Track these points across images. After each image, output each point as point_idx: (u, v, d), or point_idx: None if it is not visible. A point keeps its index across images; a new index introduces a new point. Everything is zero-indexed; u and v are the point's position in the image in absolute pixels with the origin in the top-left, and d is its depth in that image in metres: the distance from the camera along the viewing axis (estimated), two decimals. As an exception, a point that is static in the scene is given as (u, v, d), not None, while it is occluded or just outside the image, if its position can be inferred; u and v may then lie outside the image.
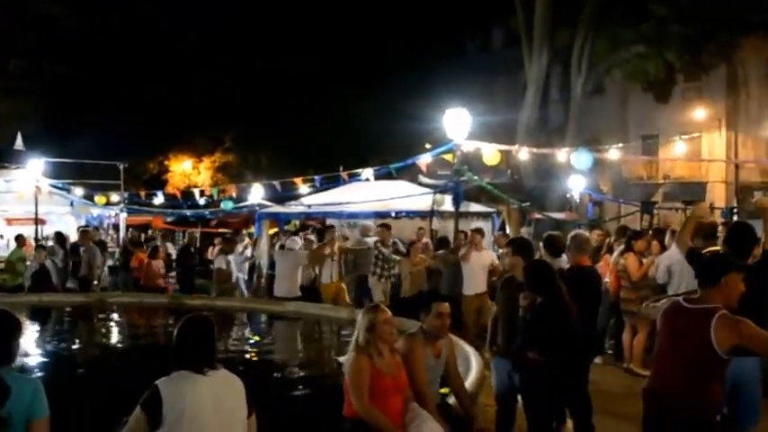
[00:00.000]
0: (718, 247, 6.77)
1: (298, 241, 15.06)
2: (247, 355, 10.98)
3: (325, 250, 14.04)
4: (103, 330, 13.61)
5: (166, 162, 44.52)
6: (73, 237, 19.78)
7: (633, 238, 11.54)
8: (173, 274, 18.01)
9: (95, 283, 17.13)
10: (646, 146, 33.04)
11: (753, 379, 6.19)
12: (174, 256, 19.10)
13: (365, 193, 18.57)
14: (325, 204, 19.54)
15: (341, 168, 19.38)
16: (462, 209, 16.10)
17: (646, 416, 4.97)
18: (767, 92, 31.55)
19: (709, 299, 4.76)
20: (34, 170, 20.81)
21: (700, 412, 4.69)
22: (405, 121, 32.72)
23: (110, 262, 19.71)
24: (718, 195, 32.04)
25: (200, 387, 4.24)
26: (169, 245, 19.41)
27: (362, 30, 38.63)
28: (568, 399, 6.98)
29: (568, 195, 24.53)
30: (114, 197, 25.94)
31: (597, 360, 10.55)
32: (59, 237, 18.02)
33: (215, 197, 24.70)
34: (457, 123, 13.99)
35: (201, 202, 25.65)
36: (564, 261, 8.01)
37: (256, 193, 22.53)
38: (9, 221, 24.59)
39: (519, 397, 6.76)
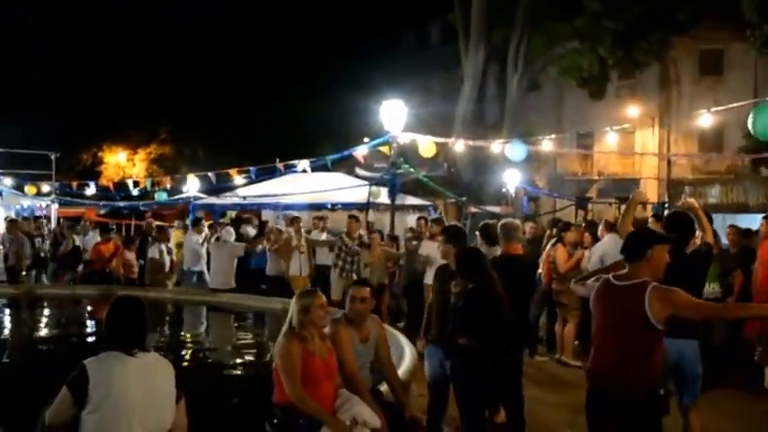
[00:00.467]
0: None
1: (233, 233, 14.94)
2: (179, 346, 10.88)
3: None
4: (30, 321, 13.29)
5: (100, 153, 43.83)
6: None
7: (563, 230, 11.67)
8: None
9: (23, 273, 16.77)
10: (581, 142, 33.48)
11: (693, 357, 6.37)
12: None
13: (301, 185, 18.52)
14: (261, 196, 19.41)
15: (277, 160, 19.20)
16: (399, 202, 16.13)
17: (589, 395, 5.01)
18: (698, 90, 32.25)
19: (638, 273, 4.83)
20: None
21: (642, 387, 4.74)
22: (345, 115, 32.73)
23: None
24: (650, 191, 32.51)
25: (129, 368, 4.19)
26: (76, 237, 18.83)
27: (303, 25, 38.65)
28: (501, 388, 7.02)
29: (504, 190, 24.75)
30: (45, 188, 25.42)
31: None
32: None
33: (149, 189, 24.36)
34: (393, 115, 14.04)
35: (135, 193, 25.27)
36: (499, 250, 8.06)
37: (191, 185, 22.25)
38: (-66, 212, 23.96)
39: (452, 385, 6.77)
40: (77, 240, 17.69)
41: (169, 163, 41.97)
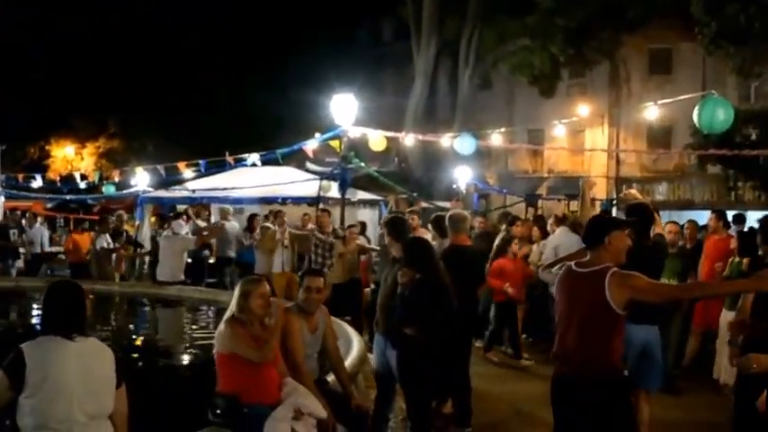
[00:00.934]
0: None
1: (184, 225, 14.82)
2: (123, 336, 10.83)
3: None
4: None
5: (48, 147, 43.18)
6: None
7: (512, 224, 11.76)
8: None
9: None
10: (531, 139, 33.76)
11: (657, 346, 6.49)
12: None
13: (251, 179, 18.43)
14: (210, 189, 19.25)
15: (227, 153, 19.04)
16: (349, 196, 16.09)
17: (554, 381, 5.04)
18: (648, 89, 32.60)
19: (598, 260, 4.87)
20: None
21: (604, 371, 4.78)
22: (296, 109, 32.60)
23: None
24: (599, 189, 32.94)
25: (67, 352, 4.11)
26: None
27: (257, 20, 38.48)
28: (449, 379, 7.04)
29: (455, 186, 24.84)
30: (-10, 180, 24.92)
31: (478, 343, 10.68)
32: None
33: (97, 182, 24.02)
34: (344, 109, 13.98)
35: (83, 186, 24.90)
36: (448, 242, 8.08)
37: (140, 179, 21.95)
38: None
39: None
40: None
41: (118, 157, 41.40)
